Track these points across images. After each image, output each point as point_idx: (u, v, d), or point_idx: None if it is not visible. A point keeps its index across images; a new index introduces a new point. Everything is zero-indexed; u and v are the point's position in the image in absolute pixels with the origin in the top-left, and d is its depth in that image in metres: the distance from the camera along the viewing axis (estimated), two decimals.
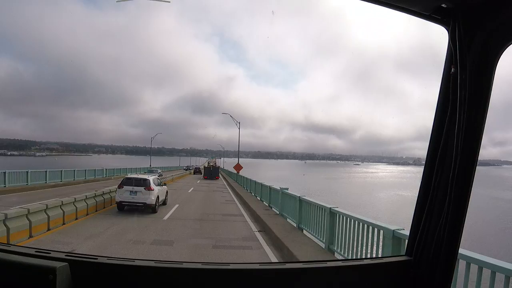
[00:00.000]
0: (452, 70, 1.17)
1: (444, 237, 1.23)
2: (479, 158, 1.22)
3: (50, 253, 1.23)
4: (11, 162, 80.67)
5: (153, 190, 11.85)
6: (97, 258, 1.24)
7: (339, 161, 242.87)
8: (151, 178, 12.55)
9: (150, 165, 46.98)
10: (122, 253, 6.89)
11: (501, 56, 1.16)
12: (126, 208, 11.75)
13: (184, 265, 1.27)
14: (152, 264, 1.26)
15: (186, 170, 55.66)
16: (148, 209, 11.60)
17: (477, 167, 1.22)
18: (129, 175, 13.44)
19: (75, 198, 10.01)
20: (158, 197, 12.15)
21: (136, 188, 11.65)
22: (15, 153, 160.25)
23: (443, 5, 1.14)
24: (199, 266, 1.27)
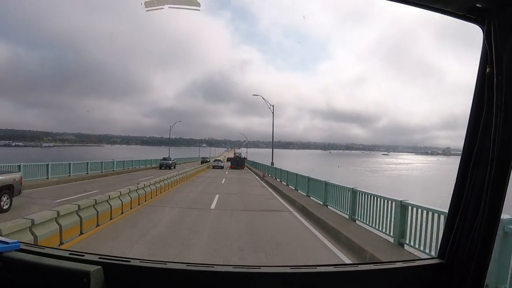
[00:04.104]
0: (487, 70, 1.21)
1: (478, 240, 1.27)
2: None
3: (84, 255, 1.34)
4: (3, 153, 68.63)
5: (222, 162, 49.64)
6: (129, 261, 1.35)
7: (363, 151, 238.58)
8: (221, 158, 62.78)
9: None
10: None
11: None
12: (215, 168, 44.52)
13: (216, 268, 1.37)
14: (184, 267, 1.36)
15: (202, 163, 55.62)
16: (221, 168, 44.53)
17: None
18: (216, 158, 64.42)
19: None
20: (223, 164, 48.95)
21: (218, 161, 49.14)
22: (20, 143, 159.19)
23: (478, 5, 1.20)
24: (230, 269, 1.39)
